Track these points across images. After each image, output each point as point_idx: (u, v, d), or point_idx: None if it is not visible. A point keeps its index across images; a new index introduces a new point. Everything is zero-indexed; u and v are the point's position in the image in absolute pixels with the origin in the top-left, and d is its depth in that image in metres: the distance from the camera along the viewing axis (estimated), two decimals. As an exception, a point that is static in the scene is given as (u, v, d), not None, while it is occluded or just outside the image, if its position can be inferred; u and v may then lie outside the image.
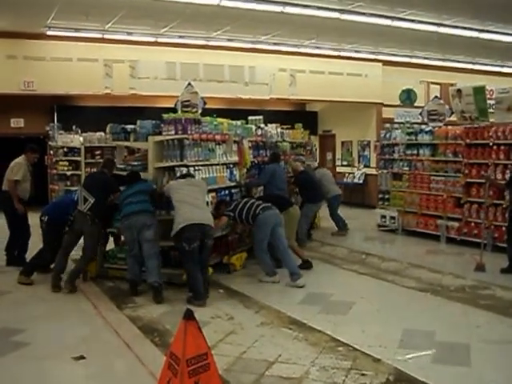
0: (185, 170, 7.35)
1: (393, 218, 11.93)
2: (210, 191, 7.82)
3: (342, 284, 7.67)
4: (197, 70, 14.53)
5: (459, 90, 17.25)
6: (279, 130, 11.33)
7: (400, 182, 11.93)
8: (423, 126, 12.09)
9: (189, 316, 3.71)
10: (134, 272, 6.99)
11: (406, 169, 11.78)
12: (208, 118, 8.42)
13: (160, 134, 7.72)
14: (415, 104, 16.60)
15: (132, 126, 8.19)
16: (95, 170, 10.25)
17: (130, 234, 6.89)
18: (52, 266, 7.63)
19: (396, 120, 16.24)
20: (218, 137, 8.34)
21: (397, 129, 12.74)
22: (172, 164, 7.54)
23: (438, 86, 18.85)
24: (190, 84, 10.35)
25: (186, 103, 10.11)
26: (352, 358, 4.90)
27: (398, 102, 16.82)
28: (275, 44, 14.81)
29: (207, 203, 7.50)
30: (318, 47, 15.31)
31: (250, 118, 11.09)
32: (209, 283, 6.95)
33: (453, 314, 6.27)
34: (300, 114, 18.61)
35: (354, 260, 9.17)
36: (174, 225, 6.58)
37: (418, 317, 6.13)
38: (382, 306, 6.55)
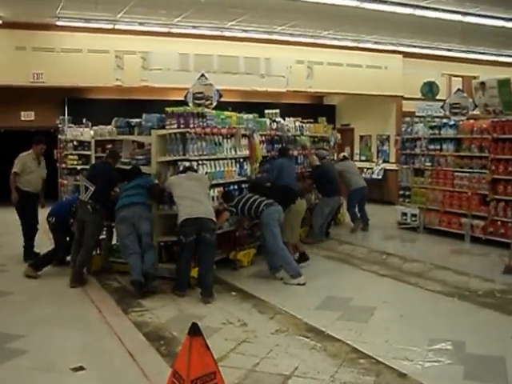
0: (187, 164, 7.22)
1: (414, 215, 11.42)
2: (217, 186, 7.78)
3: (361, 287, 7.20)
4: (211, 61, 14.10)
5: (483, 83, 16.58)
6: (298, 123, 10.98)
7: (422, 178, 11.40)
8: (446, 120, 11.53)
9: (194, 331, 3.29)
10: (137, 271, 6.58)
11: (429, 164, 11.25)
12: (214, 112, 8.24)
13: (164, 127, 7.58)
14: (437, 97, 16.04)
15: (137, 120, 8.06)
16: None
17: (126, 227, 6.70)
18: (68, 258, 7.72)
19: (417, 114, 15.64)
20: (224, 130, 8.10)
21: (418, 122, 12.17)
22: (174, 158, 7.41)
23: (460, 79, 18.24)
24: (203, 75, 9.93)
25: (199, 95, 9.73)
26: (375, 372, 4.46)
27: (419, 96, 16.21)
28: (292, 35, 14.33)
29: (212, 198, 7.52)
30: (336, 38, 14.83)
31: (266, 111, 10.87)
32: (212, 285, 6.62)
33: (483, 323, 5.79)
34: (317, 108, 18.13)
35: (373, 260, 8.69)
36: (177, 220, 6.56)
37: (445, 325, 5.66)
38: (405, 311, 6.08)
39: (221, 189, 7.91)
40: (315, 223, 10.11)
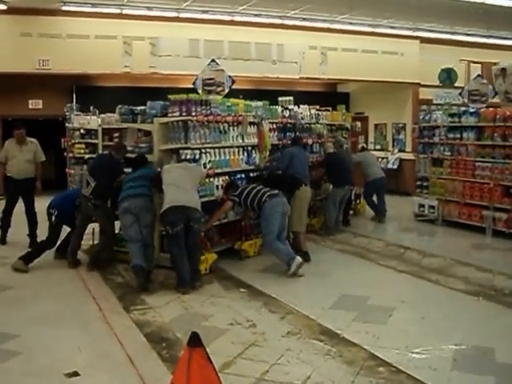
0: (189, 152, 7.14)
1: (432, 207, 10.93)
2: (222, 174, 7.65)
3: (378, 284, 6.77)
4: (221, 47, 13.67)
5: (503, 69, 15.97)
6: (314, 111, 10.64)
7: (441, 169, 10.91)
8: (465, 108, 11.02)
9: (194, 342, 2.89)
10: (138, 256, 6.43)
11: (448, 154, 10.75)
12: (219, 99, 8.02)
13: (166, 115, 7.46)
14: (455, 84, 15.48)
15: (142, 108, 7.87)
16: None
17: (129, 218, 6.55)
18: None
19: (435, 101, 15.11)
20: (230, 118, 7.91)
21: (436, 110, 11.67)
22: (176, 146, 7.30)
23: (479, 66, 17.62)
24: (214, 60, 9.48)
25: (209, 81, 9.33)
26: (396, 382, 4.06)
27: (436, 83, 15.65)
28: (305, 19, 13.85)
29: (217, 187, 7.49)
30: (351, 23, 14.31)
31: (280, 98, 10.63)
32: (198, 271, 6.57)
33: (512, 326, 5.36)
34: (330, 96, 17.62)
35: (391, 255, 8.26)
36: (161, 209, 6.41)
37: (471, 328, 5.23)
38: (427, 312, 5.64)
39: (226, 177, 7.75)
40: (328, 216, 9.77)
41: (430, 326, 5.30)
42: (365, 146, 12.56)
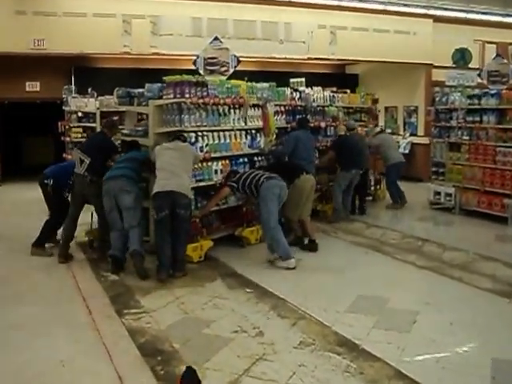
0: (185, 135, 6.88)
1: (449, 195, 10.30)
2: (222, 158, 7.42)
3: (398, 282, 6.18)
4: (225, 26, 12.91)
5: (520, 49, 15.19)
6: (328, 93, 10.17)
7: (458, 154, 10.25)
8: (485, 89, 10.35)
9: (187, 378, 2.31)
10: (116, 247, 6.40)
11: (466, 138, 10.08)
12: (217, 80, 7.73)
13: (161, 97, 7.25)
14: (469, 66, 14.75)
15: (140, 90, 7.67)
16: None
17: (108, 200, 6.46)
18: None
19: (447, 83, 14.39)
20: (229, 100, 7.62)
21: (454, 91, 10.98)
22: (171, 129, 7.05)
23: (494, 46, 16.87)
24: (217, 38, 8.88)
25: (212, 61, 8.72)
26: (428, 408, 3.48)
27: (449, 64, 14.92)
28: (313, -5, 13.13)
29: (215, 171, 7.27)
30: (361, 0, 13.54)
31: (291, 80, 10.33)
32: (182, 260, 6.32)
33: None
34: (339, 77, 16.90)
35: (408, 248, 7.65)
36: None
37: (507, 338, 4.63)
38: (454, 317, 5.04)
39: (226, 161, 7.50)
40: (335, 200, 9.35)
41: (460, 334, 4.69)
42: (382, 127, 11.90)
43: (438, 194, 10.55)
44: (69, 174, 7.13)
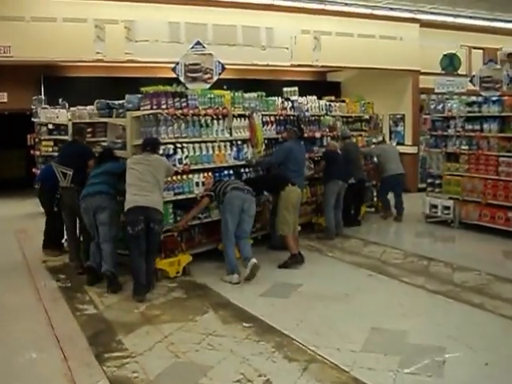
0: (162, 148, 6.72)
1: (447, 207, 9.71)
2: (204, 170, 7.25)
3: (413, 312, 5.48)
4: (205, 31, 12.17)
5: (510, 54, 14.88)
6: (324, 102, 9.84)
7: (457, 164, 9.68)
8: (486, 95, 9.82)
9: None
10: (94, 259, 6.35)
11: (465, 147, 9.52)
12: (199, 90, 7.48)
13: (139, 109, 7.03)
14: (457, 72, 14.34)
15: (120, 102, 7.45)
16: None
17: (88, 218, 6.39)
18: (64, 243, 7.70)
19: (437, 90, 13.93)
20: (210, 111, 7.41)
21: (451, 99, 10.47)
22: None
23: (481, 51, 16.53)
24: (199, 43, 8.31)
25: (194, 67, 8.12)
26: None
27: (437, 70, 14.51)
28: (297, 0, 12.51)
29: (197, 183, 7.09)
30: (346, 4, 13.01)
31: (284, 89, 10.03)
32: (156, 274, 6.27)
33: None
34: (320, 85, 16.30)
35: (414, 269, 7.01)
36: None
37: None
38: (488, 356, 4.34)
39: (209, 174, 7.30)
40: (326, 216, 8.78)
41: (499, 377, 4.03)
42: (384, 137, 11.58)
43: (435, 206, 9.96)
44: (53, 175, 7.14)
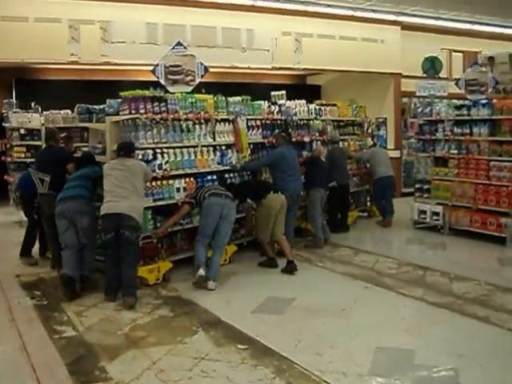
0: (140, 153, 6.62)
1: (436, 213, 9.47)
2: (186, 176, 7.13)
3: (417, 328, 5.16)
4: (183, 32, 11.73)
5: (491, 58, 14.78)
6: (314, 106, 9.65)
7: (446, 169, 9.44)
8: (475, 98, 9.64)
9: None
10: (69, 266, 6.10)
11: (455, 152, 9.29)
12: (179, 95, 7.33)
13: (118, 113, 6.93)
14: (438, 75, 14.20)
15: (100, 106, 7.40)
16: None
17: (62, 223, 6.24)
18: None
19: (418, 93, 13.77)
20: (191, 115, 7.27)
21: (439, 102, 10.28)
22: None
23: (461, 55, 16.45)
24: (180, 43, 8.04)
25: (175, 69, 7.82)
26: None
27: (417, 73, 14.36)
28: (278, 0, 12.19)
29: (178, 189, 6.98)
30: (328, 5, 12.73)
31: (272, 93, 9.83)
32: (130, 286, 5.84)
33: None
34: (300, 89, 16.01)
35: (410, 279, 6.70)
36: None
37: None
38: (504, 375, 4.06)
39: (191, 179, 7.18)
40: (313, 223, 8.55)
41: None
42: (375, 141, 11.49)
43: (424, 212, 9.72)
44: (32, 182, 7.04)
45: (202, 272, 6.30)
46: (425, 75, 14.15)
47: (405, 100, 15.55)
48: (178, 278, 6.70)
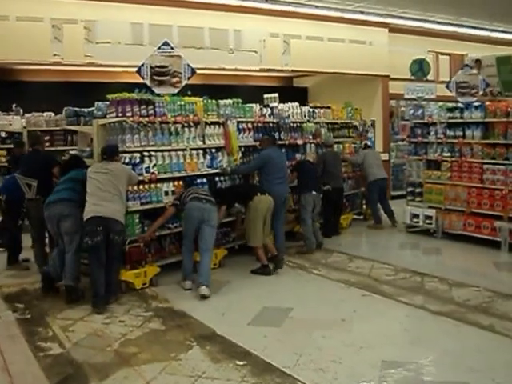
0: (127, 156, 6.59)
1: (429, 217, 9.32)
2: (175, 179, 7.08)
3: (423, 339, 4.90)
4: (170, 33, 11.43)
5: (478, 61, 14.77)
6: (307, 108, 9.58)
7: (438, 172, 9.28)
8: (467, 101, 9.53)
9: None
10: (54, 266, 6.17)
11: (447, 155, 9.13)
12: (168, 98, 7.25)
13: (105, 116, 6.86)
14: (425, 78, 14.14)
15: (89, 109, 7.26)
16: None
17: (51, 227, 6.24)
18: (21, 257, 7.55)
19: (406, 96, 13.71)
20: (179, 118, 7.20)
21: (432, 104, 10.17)
22: None
23: (447, 57, 16.41)
24: (167, 43, 7.85)
25: (161, 70, 7.62)
26: None
27: (404, 76, 14.26)
28: (266, 1, 11.94)
29: (166, 193, 6.92)
30: (317, 6, 12.54)
31: (265, 96, 9.92)
32: (114, 284, 5.96)
33: None
34: (286, 91, 15.78)
35: (408, 286, 6.51)
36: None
37: None
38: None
39: (180, 183, 7.13)
40: (304, 228, 8.38)
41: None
42: (368, 143, 11.26)
43: (416, 216, 9.56)
44: (18, 186, 7.00)
45: (188, 285, 6.40)
46: (413, 77, 14.13)
47: (392, 102, 15.47)
48: (169, 288, 6.51)
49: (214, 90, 9.86)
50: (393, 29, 14.51)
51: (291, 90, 16.65)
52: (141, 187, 6.62)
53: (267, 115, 8.40)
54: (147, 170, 6.73)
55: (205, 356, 4.54)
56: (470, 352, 4.60)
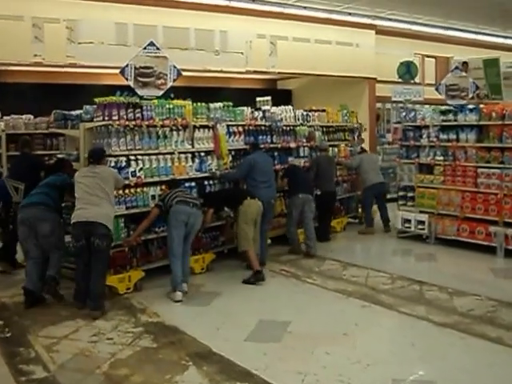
0: (113, 160, 6.54)
1: (421, 222, 9.14)
2: (163, 183, 6.98)
3: (429, 353, 4.66)
4: (155, 33, 11.11)
5: (465, 63, 14.68)
6: (301, 112, 9.44)
7: (431, 176, 9.12)
8: (462, 103, 9.37)
9: None
10: (31, 279, 6.00)
11: (441, 158, 8.96)
12: (156, 101, 7.15)
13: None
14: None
15: (77, 112, 7.13)
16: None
17: (22, 231, 6.12)
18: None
19: (394, 98, 13.62)
20: (167, 122, 7.13)
21: (402, 108, 10.04)
22: None
23: (433, 60, 16.36)
24: (152, 43, 7.62)
25: (146, 71, 7.39)
26: None
27: (391, 78, 14.15)
28: (253, 1, 11.76)
29: (153, 196, 6.87)
30: (305, 7, 12.36)
31: (258, 99, 9.85)
32: (98, 296, 5.76)
33: None
34: (270, 94, 15.55)
35: (408, 295, 6.29)
36: None
37: None
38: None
39: (167, 186, 6.98)
40: (288, 230, 8.47)
41: None
42: (364, 147, 11.04)
43: (408, 221, 9.37)
44: (4, 190, 7.03)
45: (179, 297, 6.19)
46: (400, 80, 14.01)
47: (378, 105, 15.33)
48: (155, 294, 6.43)
49: (197, 92, 9.67)
50: (379, 31, 14.43)
51: (275, 92, 16.38)
52: (126, 191, 6.58)
53: (259, 118, 8.27)
54: (133, 173, 6.67)
55: (202, 377, 4.24)
56: (482, 368, 4.38)
